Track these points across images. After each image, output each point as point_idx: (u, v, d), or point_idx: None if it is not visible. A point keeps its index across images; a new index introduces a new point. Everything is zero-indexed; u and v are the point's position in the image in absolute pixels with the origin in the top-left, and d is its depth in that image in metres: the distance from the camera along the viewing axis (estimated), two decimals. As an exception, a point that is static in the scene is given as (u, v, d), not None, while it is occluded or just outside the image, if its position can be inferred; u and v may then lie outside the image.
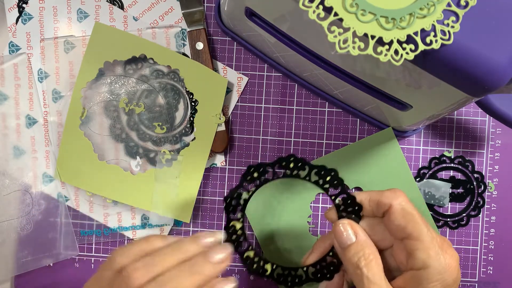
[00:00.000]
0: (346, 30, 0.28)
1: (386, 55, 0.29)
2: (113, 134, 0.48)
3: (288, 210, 0.49)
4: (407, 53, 0.29)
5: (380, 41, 0.29)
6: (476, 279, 0.50)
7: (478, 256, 0.50)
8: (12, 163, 0.49)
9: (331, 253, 0.37)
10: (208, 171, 0.50)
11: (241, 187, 0.37)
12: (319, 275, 0.37)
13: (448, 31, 0.29)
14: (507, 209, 0.50)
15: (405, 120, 0.43)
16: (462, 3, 0.29)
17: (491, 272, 0.50)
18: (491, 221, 0.50)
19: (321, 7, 0.28)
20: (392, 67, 0.33)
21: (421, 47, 0.29)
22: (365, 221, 0.36)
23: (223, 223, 0.50)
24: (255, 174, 0.37)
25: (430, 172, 0.49)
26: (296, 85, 0.49)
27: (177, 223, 0.49)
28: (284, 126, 0.50)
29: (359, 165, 0.49)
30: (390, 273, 0.36)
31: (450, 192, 0.49)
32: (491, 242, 0.50)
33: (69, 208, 0.49)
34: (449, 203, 0.50)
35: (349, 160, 0.49)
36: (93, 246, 0.50)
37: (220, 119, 0.48)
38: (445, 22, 0.29)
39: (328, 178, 0.37)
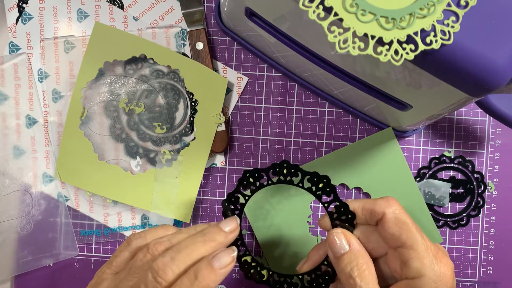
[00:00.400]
0: (346, 30, 0.28)
1: (386, 55, 0.29)
2: (113, 134, 0.48)
3: (288, 214, 0.49)
4: (407, 53, 0.29)
5: (380, 41, 0.29)
6: (476, 279, 0.50)
7: (478, 256, 0.50)
8: (12, 163, 0.49)
9: (325, 262, 0.37)
10: (208, 171, 0.50)
11: (238, 191, 0.38)
12: (314, 284, 0.37)
13: (448, 31, 0.28)
14: (507, 209, 0.50)
15: (405, 120, 0.43)
16: (462, 3, 0.29)
17: (491, 272, 0.50)
18: (491, 221, 0.50)
19: (321, 7, 0.28)
20: (392, 67, 0.33)
21: (421, 47, 0.28)
22: (359, 229, 0.36)
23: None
24: (251, 179, 0.38)
25: (430, 172, 0.49)
26: (296, 85, 0.49)
27: (177, 223, 0.49)
28: (284, 126, 0.50)
29: (359, 165, 0.49)
30: (385, 281, 0.36)
31: (450, 192, 0.49)
32: (491, 242, 0.50)
33: (69, 208, 0.49)
34: (449, 203, 0.50)
35: (349, 160, 0.49)
36: (93, 246, 0.50)
37: (220, 119, 0.48)
38: (445, 22, 0.29)
39: (320, 185, 0.37)
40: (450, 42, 0.29)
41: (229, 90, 0.49)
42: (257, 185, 0.38)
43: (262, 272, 0.37)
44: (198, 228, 0.37)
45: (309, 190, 0.37)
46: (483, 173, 0.50)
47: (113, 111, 0.48)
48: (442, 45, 0.29)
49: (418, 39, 0.29)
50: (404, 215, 0.34)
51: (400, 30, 0.28)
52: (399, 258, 0.34)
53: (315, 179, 0.37)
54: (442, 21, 0.29)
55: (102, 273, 0.35)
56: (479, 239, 0.50)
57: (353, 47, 0.29)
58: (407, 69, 0.32)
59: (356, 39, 0.29)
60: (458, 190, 0.50)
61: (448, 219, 0.49)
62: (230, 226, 0.36)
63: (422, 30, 0.29)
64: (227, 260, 0.34)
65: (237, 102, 0.49)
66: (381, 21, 0.28)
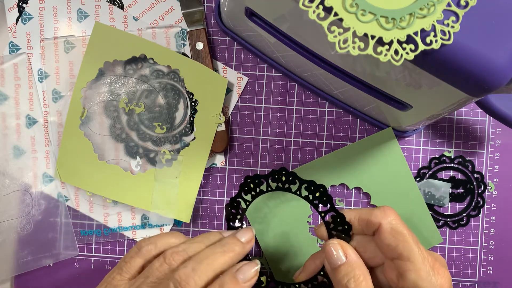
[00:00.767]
0: (346, 30, 0.28)
1: (386, 55, 0.29)
2: (113, 134, 0.48)
3: (286, 216, 0.49)
4: (407, 53, 0.29)
5: (380, 41, 0.29)
6: (476, 279, 0.50)
7: (478, 256, 0.50)
8: (12, 163, 0.49)
9: (322, 272, 0.37)
10: (208, 171, 0.50)
11: (240, 196, 0.38)
12: None
13: (448, 31, 0.28)
14: (507, 209, 0.50)
15: (405, 120, 0.43)
16: (462, 3, 0.29)
17: (491, 272, 0.50)
18: (491, 221, 0.50)
19: (321, 7, 0.28)
20: (392, 67, 0.33)
21: (421, 47, 0.28)
22: (356, 239, 0.36)
23: (223, 223, 0.50)
24: (252, 185, 0.38)
25: (430, 172, 0.49)
26: (296, 85, 0.49)
27: (177, 223, 0.49)
28: (284, 126, 0.50)
29: (359, 165, 0.49)
30: None
31: (450, 192, 0.49)
32: (491, 242, 0.50)
33: (69, 208, 0.49)
34: (449, 203, 0.50)
35: (349, 160, 0.49)
36: (93, 246, 0.50)
37: (220, 119, 0.48)
38: (445, 22, 0.29)
39: (317, 194, 0.37)
40: (450, 42, 0.29)
41: (229, 90, 0.49)
42: (257, 191, 0.38)
43: (261, 278, 0.37)
44: (210, 237, 0.37)
45: (306, 198, 0.37)
46: (483, 173, 0.50)
47: (113, 111, 0.48)
48: (442, 45, 0.29)
49: (418, 39, 0.28)
50: (400, 225, 0.34)
51: (400, 30, 0.28)
52: (396, 269, 0.34)
53: (312, 187, 0.37)
54: (442, 21, 0.29)
55: (112, 279, 0.35)
56: (479, 239, 0.50)
57: (353, 47, 0.29)
58: (407, 69, 0.32)
59: (356, 39, 0.29)
60: (458, 190, 0.50)
61: (448, 219, 0.49)
62: (247, 237, 0.36)
63: (422, 30, 0.29)
64: (251, 273, 0.34)
65: (237, 102, 0.49)
66: (381, 21, 0.28)
